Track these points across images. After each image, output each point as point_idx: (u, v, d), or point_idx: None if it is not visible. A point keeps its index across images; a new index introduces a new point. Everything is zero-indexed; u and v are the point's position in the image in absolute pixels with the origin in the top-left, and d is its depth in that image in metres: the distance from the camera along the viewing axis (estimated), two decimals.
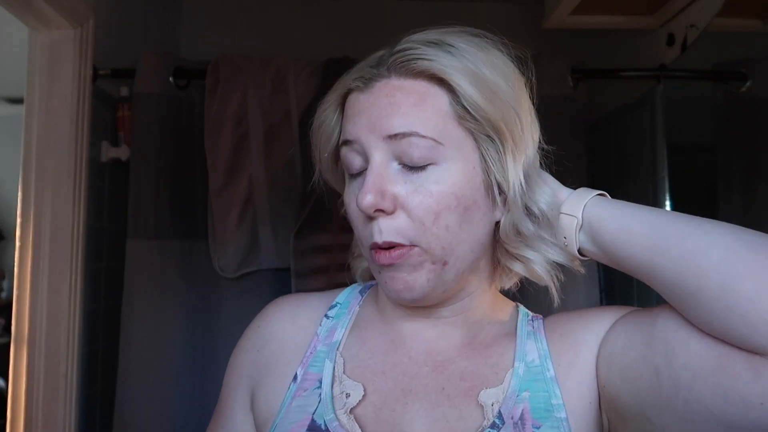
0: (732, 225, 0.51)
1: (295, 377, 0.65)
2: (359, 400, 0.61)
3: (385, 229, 0.58)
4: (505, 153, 0.59)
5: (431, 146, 0.57)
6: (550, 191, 0.62)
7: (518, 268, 0.64)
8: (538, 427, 0.58)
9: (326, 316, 0.70)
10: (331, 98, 0.65)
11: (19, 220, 1.31)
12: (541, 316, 0.68)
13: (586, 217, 0.59)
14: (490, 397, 0.60)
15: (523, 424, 0.58)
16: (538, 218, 0.61)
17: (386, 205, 0.57)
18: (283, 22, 2.10)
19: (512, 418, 0.58)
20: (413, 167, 0.58)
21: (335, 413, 0.60)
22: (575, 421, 0.58)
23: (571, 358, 0.61)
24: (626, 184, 1.69)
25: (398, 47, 0.60)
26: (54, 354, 1.30)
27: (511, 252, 0.63)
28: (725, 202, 1.48)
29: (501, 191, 0.60)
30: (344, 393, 0.62)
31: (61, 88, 1.33)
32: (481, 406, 0.59)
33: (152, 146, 1.48)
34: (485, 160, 0.60)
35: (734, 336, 0.46)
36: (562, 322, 0.65)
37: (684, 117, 1.59)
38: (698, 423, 0.49)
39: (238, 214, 1.52)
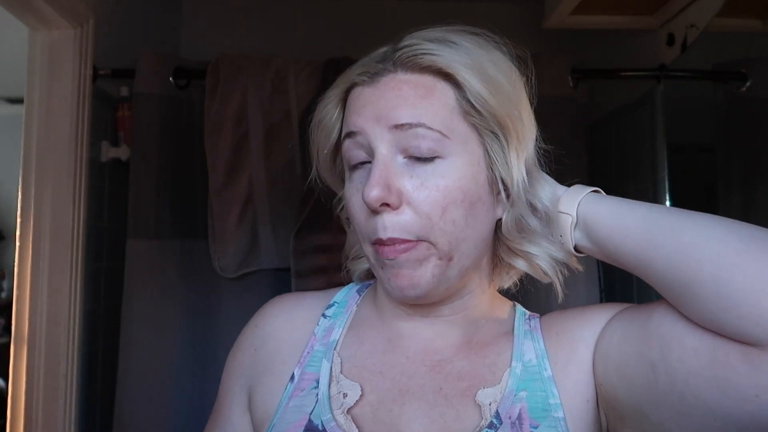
0: (725, 218, 0.52)
1: (293, 377, 0.65)
2: (356, 400, 0.61)
3: (390, 225, 0.57)
4: (509, 149, 0.60)
5: (438, 139, 0.57)
6: (550, 188, 0.62)
7: (521, 264, 0.64)
8: (535, 427, 0.58)
9: (323, 315, 0.70)
10: (333, 93, 0.64)
11: (19, 220, 1.31)
12: (538, 315, 0.68)
13: (580, 214, 0.59)
14: (488, 396, 0.60)
15: (521, 424, 0.58)
16: (541, 214, 0.61)
17: (392, 199, 0.57)
18: (283, 22, 2.10)
19: (510, 417, 0.58)
20: (419, 160, 0.58)
21: (332, 413, 0.60)
22: (573, 420, 0.58)
23: (567, 356, 0.61)
24: (626, 184, 1.69)
25: (403, 43, 0.60)
26: (54, 354, 1.30)
27: (513, 248, 0.63)
28: (725, 202, 1.48)
29: (503, 188, 0.61)
30: (341, 393, 0.62)
31: (61, 88, 1.33)
32: (479, 406, 0.59)
33: (152, 146, 1.48)
34: (489, 156, 0.60)
35: (729, 328, 0.47)
36: (558, 321, 0.65)
37: (684, 117, 1.59)
38: (694, 417, 0.49)
39: (238, 214, 1.52)
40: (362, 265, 0.72)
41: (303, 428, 0.60)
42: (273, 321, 0.70)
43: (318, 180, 0.70)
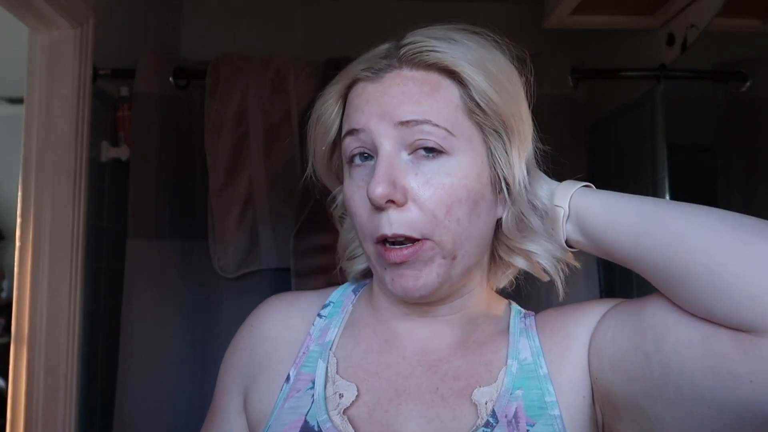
0: (716, 208, 0.52)
1: (288, 378, 0.64)
2: (352, 401, 0.61)
3: (396, 221, 0.57)
4: (511, 148, 0.60)
5: (444, 136, 0.57)
6: (548, 186, 0.62)
7: (520, 263, 0.64)
8: (532, 425, 0.58)
9: (319, 315, 0.69)
10: (334, 89, 0.64)
11: (19, 220, 1.31)
12: (533, 312, 0.68)
13: (572, 206, 0.59)
14: (484, 395, 0.60)
15: (517, 423, 0.58)
16: (540, 213, 0.61)
17: (398, 196, 0.56)
18: (283, 22, 2.10)
19: (506, 416, 0.58)
20: (424, 157, 0.57)
21: (328, 414, 0.60)
22: (569, 417, 0.58)
23: (562, 353, 0.61)
24: (626, 184, 1.69)
25: (407, 40, 0.60)
26: (54, 354, 1.30)
27: (513, 247, 0.63)
28: (725, 202, 1.48)
29: (506, 186, 0.60)
30: (337, 393, 0.62)
31: (61, 88, 1.33)
32: (475, 405, 0.59)
33: (152, 146, 1.48)
34: (492, 155, 0.60)
35: (721, 314, 0.47)
36: (552, 318, 0.65)
37: (684, 117, 1.59)
38: (690, 407, 0.49)
39: (238, 214, 1.52)
40: (358, 266, 0.72)
41: (299, 429, 0.60)
42: (269, 321, 0.70)
43: (313, 177, 0.70)
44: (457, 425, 0.58)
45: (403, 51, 0.59)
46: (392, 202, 0.56)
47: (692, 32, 1.48)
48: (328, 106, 0.64)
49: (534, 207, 0.61)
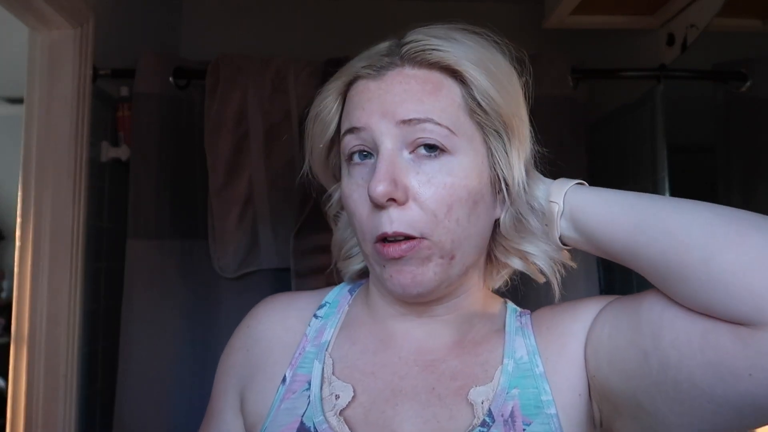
0: (710, 203, 0.52)
1: (284, 379, 0.64)
2: (349, 402, 0.61)
3: (397, 219, 0.56)
4: (511, 148, 0.60)
5: (446, 135, 0.57)
6: (545, 187, 0.62)
7: (517, 263, 0.64)
8: (528, 424, 0.57)
9: (315, 315, 0.69)
10: (334, 86, 0.63)
11: (19, 220, 1.31)
12: (528, 311, 0.68)
13: (567, 203, 0.59)
14: (480, 395, 0.59)
15: (513, 422, 0.57)
16: (538, 214, 0.61)
17: (399, 194, 0.56)
18: (283, 22, 2.10)
19: (502, 415, 0.58)
20: (426, 156, 0.57)
21: (324, 415, 0.60)
22: (565, 415, 0.58)
23: (558, 351, 0.61)
24: (626, 184, 1.68)
25: (409, 38, 0.60)
26: (54, 354, 1.30)
27: (510, 248, 0.63)
28: (725, 202, 1.47)
29: (505, 187, 0.60)
30: (333, 394, 0.61)
31: (61, 88, 1.33)
32: (471, 405, 0.59)
33: (152, 146, 1.48)
34: (493, 155, 0.60)
35: (719, 308, 0.47)
36: (548, 316, 0.65)
37: (684, 117, 1.59)
38: (689, 402, 0.49)
39: (238, 214, 1.52)
40: (354, 266, 0.72)
41: (295, 431, 0.60)
42: (265, 321, 0.70)
43: (309, 175, 0.69)
44: (453, 425, 0.58)
45: (405, 49, 0.59)
46: (393, 200, 0.56)
47: (692, 32, 1.48)
48: (327, 104, 0.63)
49: (532, 208, 0.61)
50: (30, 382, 1.28)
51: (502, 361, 0.62)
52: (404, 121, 0.57)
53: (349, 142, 0.60)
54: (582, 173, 1.53)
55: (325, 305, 0.70)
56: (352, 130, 0.59)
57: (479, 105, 0.58)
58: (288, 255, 1.49)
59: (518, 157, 0.60)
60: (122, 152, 1.51)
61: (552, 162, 0.65)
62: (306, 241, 1.47)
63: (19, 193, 1.32)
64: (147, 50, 1.53)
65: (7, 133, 2.60)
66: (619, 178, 1.73)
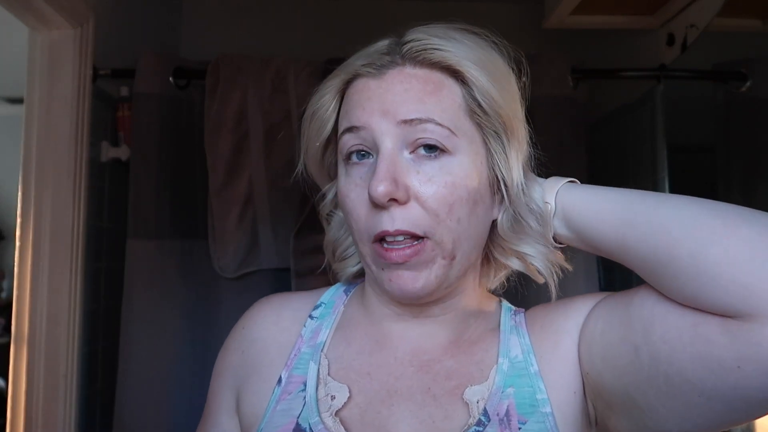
0: (698, 198, 0.52)
1: (280, 380, 0.64)
2: (344, 403, 0.61)
3: (398, 217, 0.56)
4: (510, 149, 0.60)
5: (447, 136, 0.57)
6: (540, 188, 0.62)
7: (515, 264, 0.64)
8: (523, 423, 0.57)
9: (310, 316, 0.69)
10: (332, 84, 0.62)
11: (19, 220, 1.31)
12: (523, 310, 0.68)
13: (558, 202, 0.60)
14: (475, 394, 0.59)
15: (509, 421, 0.57)
16: (536, 215, 0.61)
17: (400, 194, 0.55)
18: (283, 22, 2.10)
19: (498, 414, 0.58)
20: (426, 157, 0.57)
21: (320, 416, 0.60)
22: (561, 413, 0.58)
23: (552, 349, 0.61)
24: (626, 184, 1.66)
25: (409, 37, 0.59)
26: (54, 354, 1.30)
27: (508, 248, 0.63)
28: (725, 202, 1.48)
29: (504, 188, 0.60)
30: (329, 395, 0.61)
31: (61, 88, 1.33)
32: (467, 404, 0.59)
33: (152, 146, 1.48)
34: (492, 156, 0.60)
35: (707, 302, 0.47)
36: (542, 314, 0.65)
37: (684, 117, 1.59)
38: (680, 397, 0.49)
39: (238, 214, 1.52)
40: (349, 268, 0.71)
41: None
42: (260, 322, 0.70)
43: (304, 173, 0.69)
44: (449, 425, 0.58)
45: (406, 48, 0.58)
46: (394, 200, 0.56)
47: (692, 32, 1.48)
48: (324, 101, 0.63)
49: (531, 210, 0.61)
50: (30, 382, 1.28)
51: (497, 360, 0.62)
52: (405, 121, 0.56)
53: (348, 141, 0.59)
54: (582, 173, 1.53)
55: (320, 306, 0.70)
56: (351, 129, 0.59)
57: (480, 106, 0.58)
58: (288, 255, 1.49)
59: (517, 159, 0.60)
60: (122, 152, 1.51)
61: (545, 164, 0.65)
62: (306, 241, 1.47)
63: (19, 193, 1.32)
64: (147, 50, 1.53)
65: (7, 133, 2.60)
66: (619, 178, 1.73)
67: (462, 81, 0.58)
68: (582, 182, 0.62)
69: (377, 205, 0.56)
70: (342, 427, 0.59)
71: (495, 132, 0.59)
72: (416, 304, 0.63)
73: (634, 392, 0.53)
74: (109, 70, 1.45)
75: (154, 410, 1.44)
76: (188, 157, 1.56)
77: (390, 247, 0.57)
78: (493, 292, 0.71)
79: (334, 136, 0.64)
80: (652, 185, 1.55)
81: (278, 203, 1.53)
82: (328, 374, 0.63)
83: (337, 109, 0.63)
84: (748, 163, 1.51)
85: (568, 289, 0.63)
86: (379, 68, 0.59)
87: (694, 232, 0.48)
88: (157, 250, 1.48)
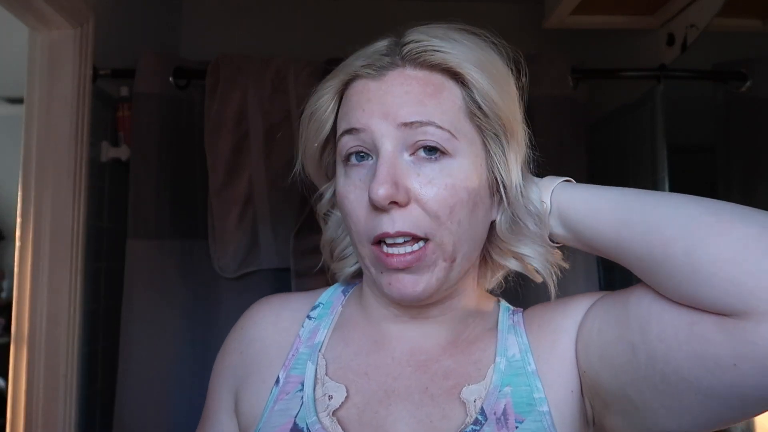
0: (694, 196, 0.52)
1: (278, 380, 0.64)
2: (342, 402, 0.61)
3: (399, 219, 0.56)
4: (509, 151, 0.60)
5: (447, 138, 0.56)
6: (537, 189, 0.62)
7: (513, 265, 0.64)
8: (521, 422, 0.57)
9: (308, 317, 0.69)
10: (331, 84, 0.62)
11: (19, 220, 1.31)
12: (521, 309, 0.68)
13: (554, 201, 0.60)
14: (473, 393, 0.59)
15: (506, 420, 0.57)
16: (534, 216, 0.61)
17: (400, 196, 0.55)
18: (283, 22, 2.10)
19: (495, 413, 0.58)
20: (426, 159, 0.57)
21: (317, 416, 0.60)
22: (558, 412, 0.58)
23: (550, 348, 0.61)
24: (626, 184, 1.66)
25: (409, 38, 0.59)
26: (54, 354, 1.30)
27: (507, 249, 0.63)
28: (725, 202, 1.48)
29: (503, 189, 0.60)
30: (327, 395, 0.61)
31: (61, 88, 1.33)
32: (464, 404, 0.59)
33: (152, 146, 1.48)
34: (491, 158, 0.60)
35: (703, 300, 0.47)
36: (539, 314, 0.65)
37: (684, 117, 1.59)
38: (677, 395, 0.49)
39: (238, 214, 1.52)
40: (348, 268, 0.71)
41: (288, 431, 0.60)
42: (259, 322, 0.70)
43: (301, 173, 0.69)
44: (446, 424, 0.58)
45: (406, 49, 0.58)
46: (394, 203, 0.56)
47: (692, 32, 1.48)
48: (323, 102, 0.62)
49: (529, 211, 0.61)
50: (30, 382, 1.28)
51: (495, 359, 0.62)
52: (405, 124, 0.56)
53: (347, 142, 0.59)
54: (582, 173, 1.53)
55: (318, 306, 0.70)
56: (350, 131, 0.59)
57: (480, 108, 0.58)
58: (288, 255, 1.49)
59: (516, 161, 0.60)
60: (122, 152, 1.51)
61: (545, 164, 0.65)
62: (306, 241, 1.47)
63: (19, 193, 1.32)
64: (147, 50, 1.53)
65: (7, 133, 2.60)
66: (619, 178, 1.73)
67: (462, 83, 0.58)
68: (582, 182, 0.62)
69: (377, 208, 0.56)
70: (339, 427, 0.59)
71: (495, 134, 0.59)
72: (415, 306, 0.63)
73: (631, 391, 0.53)
74: (109, 70, 1.45)
75: (154, 410, 1.44)
76: (188, 157, 1.55)
77: (390, 251, 0.57)
78: (492, 292, 0.71)
79: (332, 137, 0.64)
80: (652, 185, 1.55)
81: (278, 203, 1.53)
82: (326, 374, 0.63)
83: (335, 110, 0.62)
84: (748, 163, 1.51)
85: (569, 289, 0.63)
86: (378, 69, 0.58)
87: (689, 231, 0.48)
88: (157, 250, 1.48)
